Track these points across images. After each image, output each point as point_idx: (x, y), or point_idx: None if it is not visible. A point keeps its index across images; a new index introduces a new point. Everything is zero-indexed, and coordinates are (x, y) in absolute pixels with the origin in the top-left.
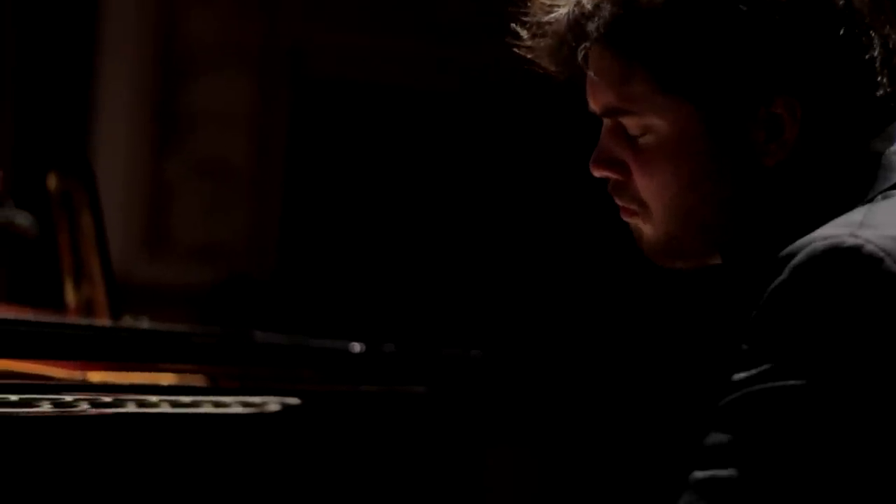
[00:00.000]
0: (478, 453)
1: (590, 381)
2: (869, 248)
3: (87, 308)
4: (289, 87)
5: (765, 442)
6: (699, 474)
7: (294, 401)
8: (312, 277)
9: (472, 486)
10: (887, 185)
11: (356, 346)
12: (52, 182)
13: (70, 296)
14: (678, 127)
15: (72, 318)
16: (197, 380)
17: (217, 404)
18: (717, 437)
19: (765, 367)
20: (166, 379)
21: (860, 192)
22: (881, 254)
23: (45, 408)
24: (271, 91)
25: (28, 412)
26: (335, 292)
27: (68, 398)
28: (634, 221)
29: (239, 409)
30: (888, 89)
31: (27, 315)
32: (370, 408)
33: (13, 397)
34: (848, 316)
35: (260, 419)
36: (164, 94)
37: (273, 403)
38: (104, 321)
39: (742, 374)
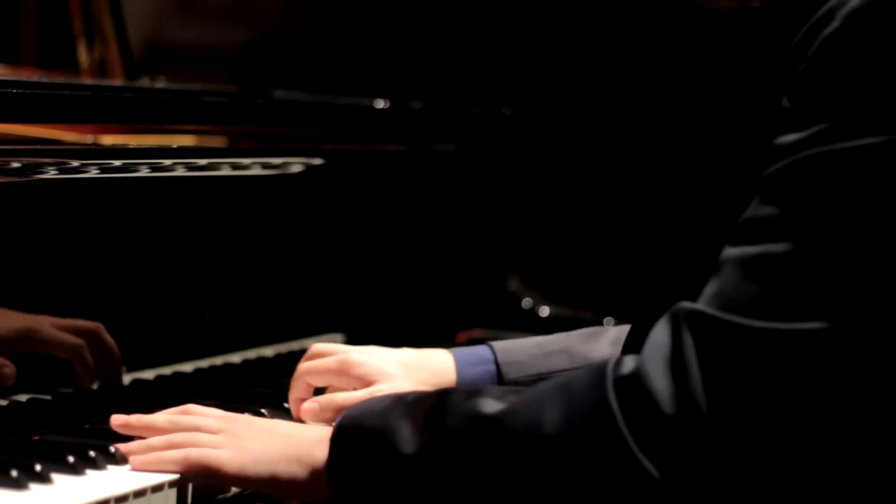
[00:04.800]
0: (510, 211)
1: (624, 137)
2: None
3: (101, 69)
4: None
5: (826, 211)
6: (747, 250)
7: (317, 161)
8: (348, 36)
9: (506, 245)
10: None
11: (380, 103)
12: None
13: (83, 56)
14: None
15: (82, 79)
16: (214, 141)
17: (235, 167)
18: (764, 210)
19: (820, 126)
20: (182, 141)
21: None
22: None
23: (51, 174)
24: None
25: (29, 178)
26: (370, 51)
27: (75, 163)
28: None
29: (259, 171)
30: None
31: (33, 76)
32: (398, 167)
33: (15, 163)
34: None
35: (281, 180)
36: None
37: (295, 164)
38: (116, 81)
39: (790, 138)
